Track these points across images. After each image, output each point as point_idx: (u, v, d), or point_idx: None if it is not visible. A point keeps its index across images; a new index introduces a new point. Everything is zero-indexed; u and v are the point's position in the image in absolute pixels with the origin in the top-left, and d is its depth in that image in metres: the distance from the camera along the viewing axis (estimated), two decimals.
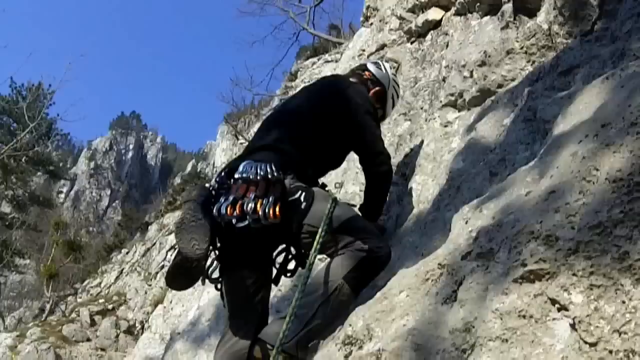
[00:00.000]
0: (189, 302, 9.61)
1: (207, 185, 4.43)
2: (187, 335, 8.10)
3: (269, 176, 4.07)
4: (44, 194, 54.89)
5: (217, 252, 4.41)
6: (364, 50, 9.79)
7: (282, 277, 4.73)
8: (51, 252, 32.52)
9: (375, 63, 5.75)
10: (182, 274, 4.07)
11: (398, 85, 6.02)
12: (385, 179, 5.19)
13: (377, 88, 5.63)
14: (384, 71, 5.73)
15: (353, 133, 4.92)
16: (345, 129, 4.85)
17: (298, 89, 5.67)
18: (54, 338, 21.18)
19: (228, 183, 4.24)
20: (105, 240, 48.08)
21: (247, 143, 5.20)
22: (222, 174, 4.41)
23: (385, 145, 5.54)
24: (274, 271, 4.62)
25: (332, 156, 5.04)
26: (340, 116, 4.85)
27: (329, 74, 6.54)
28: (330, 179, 6.75)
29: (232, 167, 4.38)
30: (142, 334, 17.34)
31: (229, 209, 3.94)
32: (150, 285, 23.92)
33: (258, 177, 4.08)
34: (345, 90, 5.13)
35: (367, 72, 5.63)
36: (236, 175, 4.18)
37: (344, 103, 4.94)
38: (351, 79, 5.48)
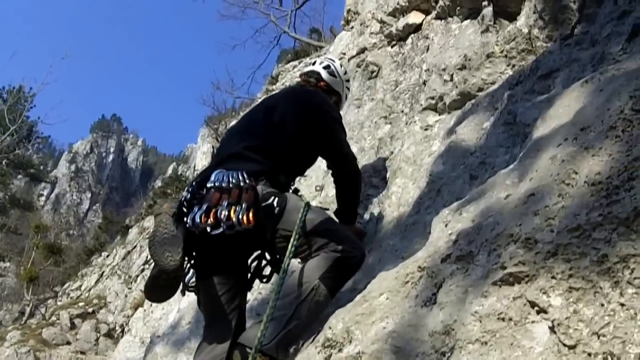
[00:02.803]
0: (169, 305, 9.55)
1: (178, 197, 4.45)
2: (167, 339, 8.06)
3: (241, 184, 4.14)
4: (25, 197, 54.88)
5: (192, 261, 4.45)
6: (344, 54, 9.78)
7: (261, 283, 4.79)
8: (31, 255, 32.51)
9: (327, 67, 5.72)
10: (160, 286, 4.09)
11: (348, 81, 6.05)
12: (354, 179, 5.23)
13: (334, 98, 5.68)
14: (337, 77, 5.74)
15: (321, 139, 4.97)
16: (312, 135, 4.89)
17: (259, 100, 5.64)
18: (34, 341, 21.10)
19: (200, 193, 4.26)
20: (86, 243, 48.08)
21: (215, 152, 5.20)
22: (194, 184, 4.44)
23: (366, 149, 5.53)
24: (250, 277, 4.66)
25: (300, 162, 5.06)
26: (308, 123, 4.87)
27: None
28: (310, 182, 6.76)
29: (203, 177, 4.41)
30: (122, 337, 17.29)
31: (202, 217, 3.98)
32: (130, 289, 23.87)
33: (230, 185, 4.13)
34: (311, 99, 5.19)
35: (322, 83, 5.62)
36: (208, 185, 4.22)
37: (310, 111, 4.98)
38: (310, 88, 5.51)
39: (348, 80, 5.94)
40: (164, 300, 4.63)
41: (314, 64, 5.83)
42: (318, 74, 5.66)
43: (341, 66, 5.85)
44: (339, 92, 5.79)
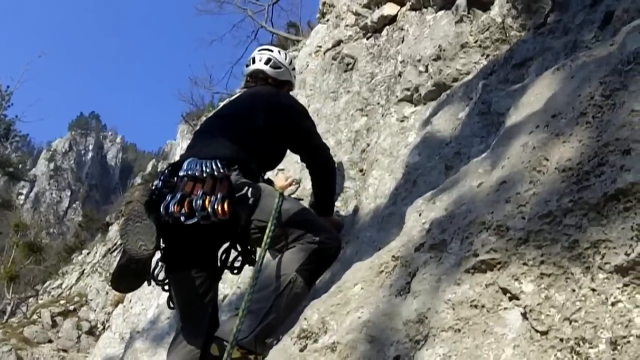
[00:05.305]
0: (149, 300, 9.54)
1: (149, 185, 4.39)
2: (146, 334, 8.05)
3: (215, 173, 4.09)
4: (4, 196, 54.61)
5: (162, 252, 4.40)
6: (320, 47, 9.78)
7: (232, 274, 4.76)
8: (11, 254, 32.32)
9: (268, 61, 5.58)
10: (128, 275, 4.05)
11: (291, 62, 5.92)
12: (328, 169, 5.25)
13: (285, 88, 5.68)
14: (281, 67, 5.65)
15: (292, 134, 4.99)
16: (283, 131, 4.90)
17: (223, 103, 5.59)
18: (16, 340, 21.04)
19: (172, 181, 4.23)
20: (66, 241, 47.92)
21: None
22: (165, 172, 4.40)
23: (342, 141, 5.52)
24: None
25: (271, 155, 5.00)
26: (278, 120, 4.87)
27: None
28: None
29: (175, 165, 4.38)
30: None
31: (176, 206, 3.93)
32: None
33: (204, 174, 4.09)
34: (277, 97, 5.17)
35: (269, 80, 5.53)
36: (181, 173, 4.18)
37: (278, 108, 4.97)
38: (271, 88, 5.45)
39: (291, 62, 5.85)
40: (131, 290, 4.63)
41: (253, 61, 5.68)
42: (262, 72, 5.56)
43: (280, 52, 5.79)
44: (288, 80, 5.75)
